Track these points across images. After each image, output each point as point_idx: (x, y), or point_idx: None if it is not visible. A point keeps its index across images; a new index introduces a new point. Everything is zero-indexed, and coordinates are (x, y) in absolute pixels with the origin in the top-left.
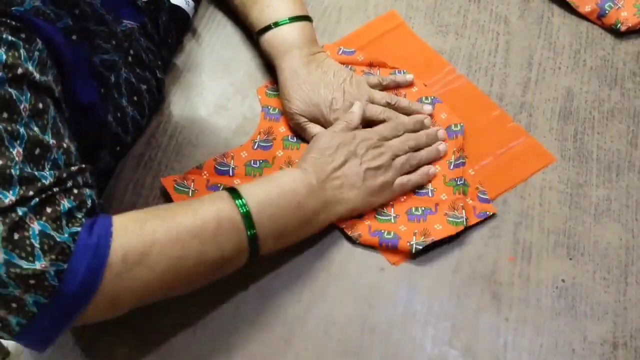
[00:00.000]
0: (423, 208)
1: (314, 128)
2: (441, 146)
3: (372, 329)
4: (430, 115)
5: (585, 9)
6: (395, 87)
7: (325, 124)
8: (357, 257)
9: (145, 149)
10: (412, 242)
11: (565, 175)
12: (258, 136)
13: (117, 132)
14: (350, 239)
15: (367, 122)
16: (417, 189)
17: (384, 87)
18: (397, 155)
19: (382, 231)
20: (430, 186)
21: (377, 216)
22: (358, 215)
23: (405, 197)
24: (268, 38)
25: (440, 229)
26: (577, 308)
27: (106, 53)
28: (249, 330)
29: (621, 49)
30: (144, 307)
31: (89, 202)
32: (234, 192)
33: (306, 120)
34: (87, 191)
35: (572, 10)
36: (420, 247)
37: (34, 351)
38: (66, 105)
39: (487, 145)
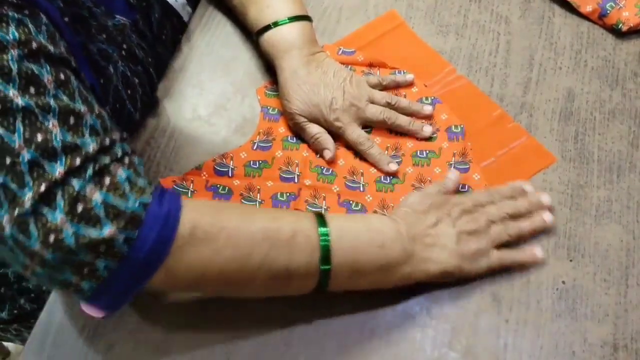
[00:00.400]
0: None
1: (313, 128)
2: (547, 216)
3: (371, 331)
4: (431, 115)
5: (587, 9)
6: (395, 87)
7: (325, 124)
8: None
9: (145, 149)
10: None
11: (565, 176)
12: (257, 137)
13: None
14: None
15: (367, 123)
16: (416, 190)
17: (383, 87)
18: (493, 222)
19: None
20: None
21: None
22: (448, 279)
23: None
24: (267, 38)
25: None
26: (578, 310)
27: (102, 43)
28: (248, 331)
29: (622, 49)
30: (143, 306)
31: (141, 169)
32: (320, 218)
33: (305, 120)
34: (136, 160)
35: (573, 10)
36: None
37: (35, 349)
38: None
39: (488, 146)
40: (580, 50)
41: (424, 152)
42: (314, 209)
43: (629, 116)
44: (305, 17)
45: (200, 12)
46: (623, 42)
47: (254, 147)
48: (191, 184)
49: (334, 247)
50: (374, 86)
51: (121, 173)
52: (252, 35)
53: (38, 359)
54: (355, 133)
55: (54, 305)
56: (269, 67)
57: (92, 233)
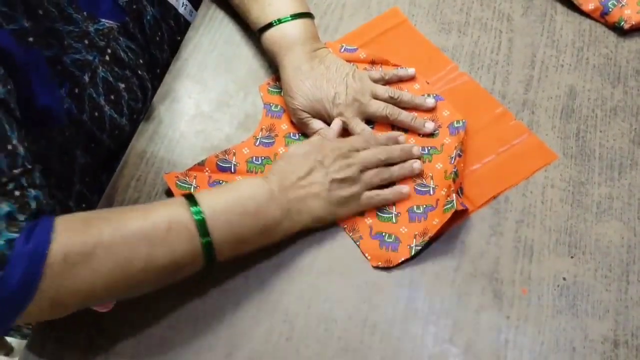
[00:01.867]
0: (424, 206)
1: (316, 124)
2: (416, 164)
3: (373, 327)
4: (433, 108)
5: (589, 6)
6: (398, 81)
7: (328, 119)
8: (358, 255)
9: (148, 145)
10: (412, 245)
11: (567, 173)
12: (260, 132)
13: (91, 131)
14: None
15: (369, 118)
16: (417, 186)
17: (386, 82)
18: (367, 168)
19: (384, 234)
20: (432, 183)
21: (378, 214)
22: (321, 224)
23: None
24: (270, 36)
25: (436, 223)
26: (578, 306)
27: (78, 53)
28: (249, 327)
29: (624, 47)
30: (144, 303)
31: (33, 204)
32: (190, 199)
33: (309, 116)
34: (32, 192)
35: (575, 8)
36: (419, 248)
37: (36, 345)
38: (21, 108)
39: (490, 143)
40: (582, 47)
41: (426, 149)
42: None
43: (631, 113)
44: (307, 15)
45: (203, 10)
46: (625, 40)
47: (257, 143)
48: (194, 180)
49: (209, 223)
50: (376, 81)
51: (4, 207)
52: (255, 33)
53: (39, 355)
54: (359, 127)
55: None
56: (272, 64)
57: None
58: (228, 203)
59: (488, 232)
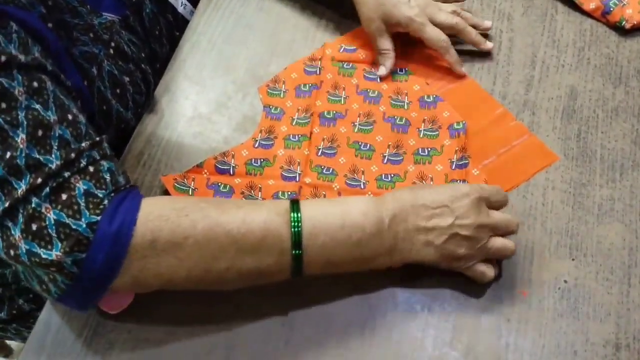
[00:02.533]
0: None
1: (385, 43)
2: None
3: (372, 330)
4: (489, 28)
5: (590, 6)
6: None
7: (403, 21)
8: None
9: (145, 147)
10: None
11: (568, 174)
12: (259, 134)
13: (100, 125)
14: None
15: (437, 26)
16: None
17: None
18: (496, 233)
19: None
20: (432, 184)
21: None
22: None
23: None
24: None
25: None
26: (580, 309)
27: (85, 45)
28: (248, 330)
29: (626, 47)
30: (142, 305)
31: (108, 176)
32: (294, 204)
33: (384, 28)
34: (105, 165)
35: (576, 8)
36: None
37: (35, 348)
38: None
39: (490, 144)
40: (583, 47)
41: (426, 150)
42: None
43: (632, 114)
44: None
45: (201, 10)
46: (626, 40)
47: (256, 145)
48: (192, 182)
49: (305, 238)
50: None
51: (80, 186)
52: None
53: (38, 358)
54: (435, 31)
55: (54, 305)
56: (271, 65)
57: (42, 254)
58: (330, 224)
59: None
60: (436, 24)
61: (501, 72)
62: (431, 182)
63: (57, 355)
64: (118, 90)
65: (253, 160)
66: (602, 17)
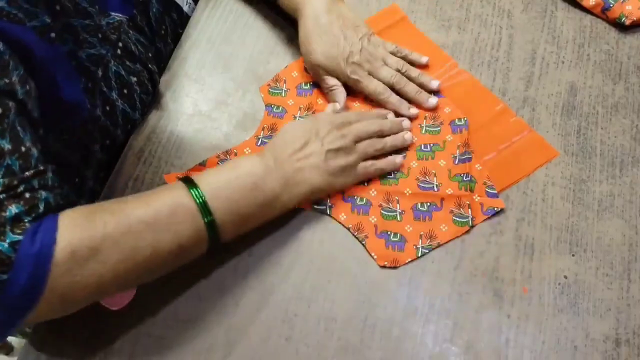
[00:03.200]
0: (428, 204)
1: (330, 80)
2: (407, 135)
3: (372, 326)
4: (437, 90)
5: (590, 2)
6: (409, 62)
7: (342, 77)
8: (358, 254)
9: (146, 144)
10: (418, 246)
11: (568, 170)
12: (262, 132)
13: (106, 126)
14: (357, 238)
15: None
16: (421, 183)
17: (397, 57)
18: (361, 139)
19: (389, 233)
20: (435, 180)
21: (382, 212)
22: (320, 195)
23: (410, 191)
24: None
25: (445, 231)
26: (580, 305)
27: (93, 47)
28: (248, 327)
29: (625, 43)
30: (143, 301)
31: (42, 205)
32: (189, 182)
33: (325, 72)
34: (43, 194)
35: (575, 4)
36: (427, 251)
37: (36, 345)
38: (48, 103)
39: (490, 140)
40: (582, 44)
41: (428, 146)
42: (319, 207)
43: (632, 110)
44: None
45: (202, 8)
46: (626, 36)
47: (258, 143)
48: None
49: (211, 203)
50: (390, 52)
51: (12, 209)
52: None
53: (40, 354)
54: (372, 84)
55: None
56: (271, 61)
57: None
58: (227, 181)
59: (488, 230)
60: (377, 79)
61: (501, 68)
62: (434, 178)
63: (59, 352)
64: (125, 91)
65: None
66: (602, 13)
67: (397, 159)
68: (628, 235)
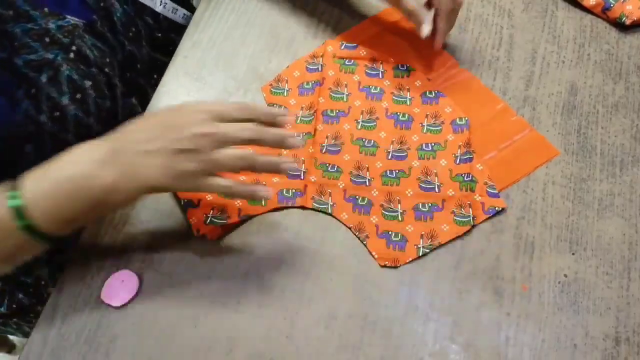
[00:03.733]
0: (430, 204)
1: (408, 2)
2: (286, 165)
3: (373, 324)
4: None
5: (590, 2)
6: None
7: None
8: (358, 252)
9: None
10: (419, 246)
11: (568, 169)
12: None
13: (53, 132)
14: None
15: None
16: (422, 183)
17: None
18: (225, 145)
19: (390, 233)
20: (437, 181)
21: (383, 212)
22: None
23: (412, 192)
24: None
25: (446, 231)
26: (580, 303)
27: (34, 52)
28: (249, 325)
29: (626, 43)
30: (145, 299)
31: None
32: (12, 186)
33: None
34: None
35: (576, 4)
36: (428, 251)
37: (38, 341)
38: None
39: (491, 139)
40: (583, 43)
41: (430, 145)
42: (320, 206)
43: (632, 110)
44: None
45: (203, 7)
46: (626, 36)
47: None
48: None
49: (30, 211)
50: None
51: None
52: None
53: (42, 351)
54: None
55: (58, 298)
56: (272, 60)
57: None
58: (49, 188)
59: (488, 229)
60: None
61: (501, 68)
62: (436, 178)
63: (61, 349)
64: (79, 95)
65: None
66: (603, 13)
67: (262, 192)
68: (628, 234)
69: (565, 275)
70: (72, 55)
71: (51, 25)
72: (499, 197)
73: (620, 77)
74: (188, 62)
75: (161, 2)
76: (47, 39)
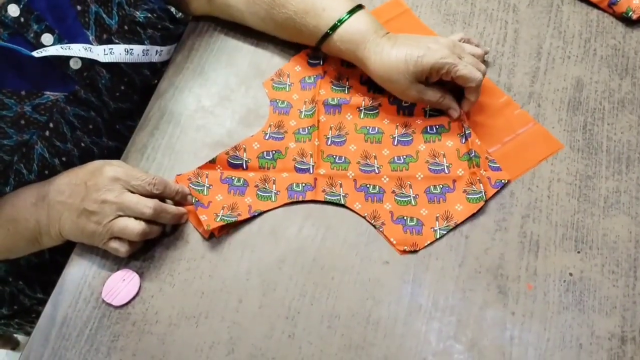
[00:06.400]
0: (441, 186)
1: (431, 94)
2: (185, 217)
3: (376, 323)
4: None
5: None
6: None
7: (435, 66)
8: (361, 251)
9: (149, 140)
10: (435, 228)
11: (573, 166)
12: (269, 128)
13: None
14: (373, 227)
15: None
16: (431, 165)
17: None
18: (126, 213)
19: (405, 218)
20: (445, 162)
21: (396, 198)
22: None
23: (422, 175)
24: (338, 38)
25: (461, 210)
26: (585, 302)
27: (9, 138)
28: (251, 324)
29: (632, 38)
30: (146, 298)
31: None
32: None
33: (421, 86)
34: None
35: None
36: (445, 232)
37: (39, 340)
38: None
39: (495, 132)
40: (589, 38)
41: (434, 128)
42: (333, 198)
43: (639, 106)
44: (360, 6)
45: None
46: (633, 30)
47: (266, 138)
48: (206, 179)
49: None
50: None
51: None
52: (316, 46)
53: (43, 351)
54: (468, 67)
55: (59, 297)
56: (274, 58)
57: None
58: None
59: (493, 227)
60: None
61: (506, 63)
62: (444, 159)
63: (62, 348)
64: (46, 172)
65: (265, 153)
66: (609, 7)
67: (133, 226)
68: (634, 232)
69: (571, 274)
70: (47, 133)
71: (27, 108)
72: (500, 170)
73: (627, 73)
74: (190, 58)
75: (157, 52)
76: (22, 122)
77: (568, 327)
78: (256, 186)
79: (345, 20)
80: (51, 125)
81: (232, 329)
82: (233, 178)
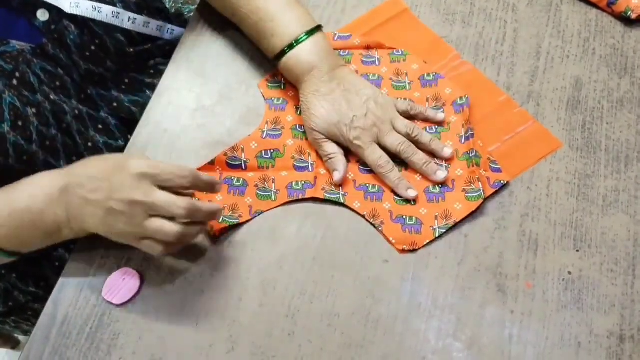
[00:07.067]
0: (440, 186)
1: (329, 147)
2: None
3: (376, 322)
4: (451, 158)
5: None
6: (424, 120)
7: (344, 142)
8: (361, 250)
9: (149, 139)
10: (434, 227)
11: (572, 165)
12: (266, 125)
13: None
14: (373, 226)
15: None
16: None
17: (410, 116)
18: (157, 214)
19: (404, 217)
20: (444, 163)
21: (395, 197)
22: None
23: (420, 175)
24: (285, 63)
25: (460, 208)
26: (584, 301)
27: None
28: (251, 322)
29: (631, 37)
30: (147, 296)
31: None
32: None
33: (323, 137)
34: None
35: None
36: (444, 231)
37: (40, 339)
38: None
39: (494, 131)
40: (588, 38)
41: (434, 128)
42: (332, 196)
43: (638, 105)
44: (316, 28)
45: (204, 3)
46: (632, 30)
47: (264, 136)
48: None
49: None
50: (401, 112)
51: None
52: (272, 62)
53: (43, 349)
54: (376, 154)
55: (59, 296)
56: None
57: None
58: (11, 214)
59: (492, 226)
60: (383, 145)
61: (505, 63)
62: (443, 161)
63: (63, 346)
64: (20, 123)
65: (263, 152)
66: (608, 7)
67: (167, 227)
68: (633, 231)
69: (570, 273)
70: (14, 82)
71: None
72: (501, 171)
73: (626, 72)
74: (190, 57)
75: (129, 18)
76: None
77: (567, 325)
78: (256, 186)
79: (297, 45)
80: (17, 75)
81: (232, 327)
82: (232, 178)
